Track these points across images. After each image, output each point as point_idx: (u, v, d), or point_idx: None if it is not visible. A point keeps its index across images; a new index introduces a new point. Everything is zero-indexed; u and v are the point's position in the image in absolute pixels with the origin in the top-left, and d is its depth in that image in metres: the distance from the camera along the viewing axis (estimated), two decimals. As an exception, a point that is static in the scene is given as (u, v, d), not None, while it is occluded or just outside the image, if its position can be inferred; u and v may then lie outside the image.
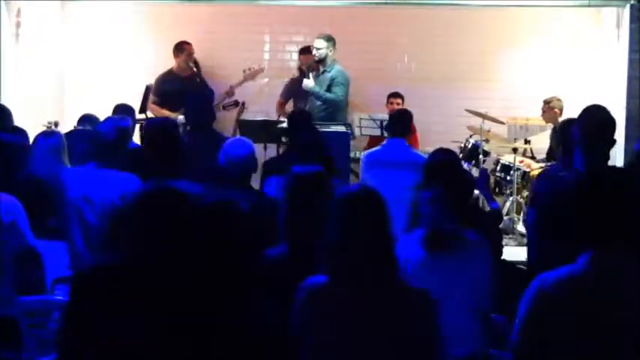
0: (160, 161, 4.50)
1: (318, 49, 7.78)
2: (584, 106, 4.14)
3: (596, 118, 3.99)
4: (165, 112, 7.97)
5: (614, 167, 3.71)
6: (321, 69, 7.83)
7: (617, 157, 7.63)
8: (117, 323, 2.61)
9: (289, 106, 8.61)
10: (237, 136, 7.58)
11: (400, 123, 6.09)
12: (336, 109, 7.77)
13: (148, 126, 5.42)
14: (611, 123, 4.00)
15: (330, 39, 7.81)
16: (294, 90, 8.49)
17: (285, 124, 6.93)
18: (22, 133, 5.29)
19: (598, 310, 2.37)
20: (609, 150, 4.06)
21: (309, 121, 5.99)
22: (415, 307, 2.61)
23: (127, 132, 4.82)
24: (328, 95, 7.72)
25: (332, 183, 3.40)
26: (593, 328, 2.36)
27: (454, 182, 4.10)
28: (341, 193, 2.77)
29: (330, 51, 7.78)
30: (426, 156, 6.17)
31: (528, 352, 2.45)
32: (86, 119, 6.89)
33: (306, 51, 8.49)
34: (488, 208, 5.23)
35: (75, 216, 4.48)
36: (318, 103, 7.75)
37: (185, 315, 2.61)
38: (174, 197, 2.72)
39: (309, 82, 7.74)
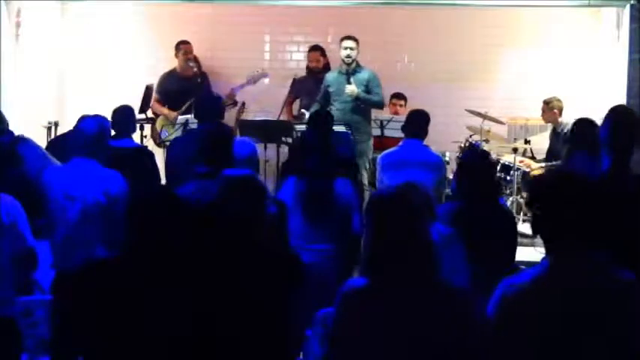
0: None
1: (351, 49, 7.70)
2: (583, 106, 4.14)
3: (622, 119, 3.97)
4: (165, 111, 7.98)
5: (566, 169, 3.72)
6: (347, 71, 7.71)
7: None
8: (109, 321, 2.61)
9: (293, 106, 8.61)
10: (237, 136, 7.59)
11: (417, 123, 6.03)
12: (368, 110, 7.74)
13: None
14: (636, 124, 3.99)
15: (356, 39, 7.77)
16: (302, 88, 8.47)
17: (302, 126, 6.91)
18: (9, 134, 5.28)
19: (563, 310, 2.35)
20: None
21: (331, 123, 5.97)
22: (456, 307, 2.58)
23: (108, 129, 4.83)
24: (374, 98, 7.69)
25: (262, 187, 3.31)
26: (559, 329, 2.36)
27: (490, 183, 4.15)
28: (375, 194, 2.76)
29: (357, 52, 7.77)
30: (440, 155, 6.22)
31: (499, 356, 2.45)
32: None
33: (317, 49, 8.45)
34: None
35: (57, 213, 4.49)
36: (350, 104, 7.63)
37: (181, 314, 2.61)
38: (169, 199, 2.72)
39: (354, 88, 7.61)
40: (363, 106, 7.65)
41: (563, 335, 2.36)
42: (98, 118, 4.76)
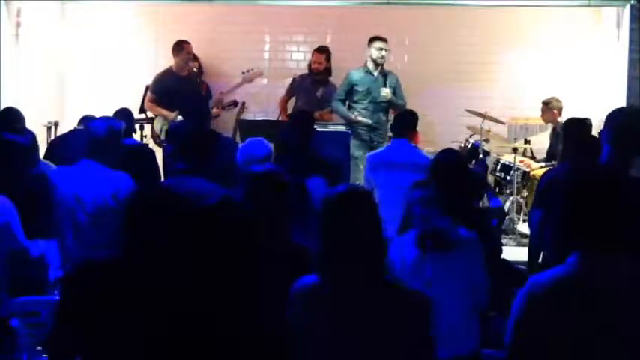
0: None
1: (385, 50, 7.72)
2: (583, 106, 4.13)
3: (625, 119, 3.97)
4: (163, 112, 7.97)
5: (601, 167, 3.70)
6: (384, 73, 7.75)
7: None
8: (109, 322, 2.61)
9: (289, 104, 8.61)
10: (237, 135, 7.59)
11: (405, 123, 6.05)
12: (389, 112, 7.76)
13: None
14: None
15: (387, 40, 7.79)
16: (299, 87, 8.48)
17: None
18: (29, 134, 5.28)
19: (589, 311, 2.36)
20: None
21: (312, 123, 5.97)
22: (408, 307, 2.60)
23: (119, 132, 4.81)
24: (400, 102, 7.74)
25: (287, 183, 3.36)
26: (585, 329, 2.36)
27: (459, 183, 4.12)
28: (329, 193, 2.76)
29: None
30: (431, 157, 6.21)
31: (522, 355, 2.45)
32: (83, 120, 6.90)
33: (323, 51, 8.46)
34: (486, 205, 5.25)
35: (66, 215, 4.48)
36: (378, 105, 7.66)
37: (181, 315, 2.61)
38: (170, 197, 2.72)
39: (389, 92, 7.66)
40: (386, 107, 7.70)
41: (589, 335, 2.36)
42: (108, 120, 4.74)
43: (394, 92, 7.73)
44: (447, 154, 4.56)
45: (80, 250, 4.40)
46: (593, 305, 2.36)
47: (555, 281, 2.41)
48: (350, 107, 7.85)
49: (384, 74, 7.74)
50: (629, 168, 3.78)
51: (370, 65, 7.80)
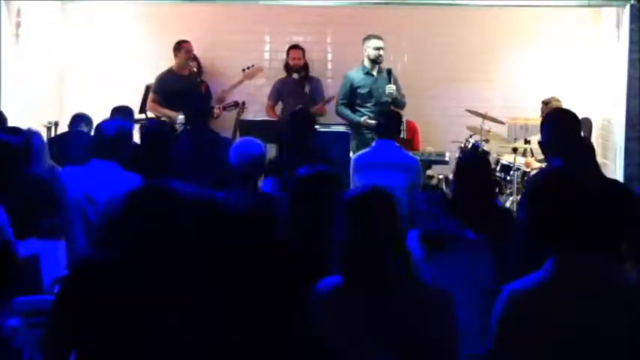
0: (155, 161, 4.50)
1: (382, 48, 7.73)
2: (583, 106, 4.14)
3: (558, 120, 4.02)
4: (167, 112, 7.98)
5: (563, 168, 3.70)
6: (389, 70, 7.77)
7: (617, 157, 7.63)
8: (107, 320, 2.61)
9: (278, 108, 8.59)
10: (238, 135, 7.59)
11: (390, 124, 6.04)
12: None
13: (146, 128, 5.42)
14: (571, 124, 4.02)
15: (382, 38, 7.82)
16: (284, 90, 8.47)
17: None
18: (20, 133, 5.27)
19: (569, 313, 2.35)
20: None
21: (312, 123, 5.96)
22: (432, 304, 2.61)
23: (129, 132, 4.81)
24: (403, 99, 7.77)
25: (340, 183, 3.37)
26: (566, 331, 2.35)
27: (483, 183, 4.14)
28: (351, 193, 2.77)
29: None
30: (416, 157, 6.20)
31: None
32: (81, 119, 6.90)
33: (298, 47, 8.50)
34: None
35: (77, 215, 4.46)
36: (385, 105, 7.63)
37: (178, 313, 2.61)
38: (164, 195, 2.72)
39: (394, 88, 7.66)
40: (390, 107, 7.67)
41: (571, 337, 2.35)
42: (119, 120, 4.73)
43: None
44: (471, 153, 4.58)
45: (90, 250, 4.38)
46: (572, 308, 2.35)
47: (534, 287, 2.40)
48: (355, 110, 7.83)
49: (388, 71, 7.72)
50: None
51: (367, 64, 7.78)
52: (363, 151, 6.23)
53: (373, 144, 6.04)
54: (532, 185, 2.63)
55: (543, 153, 4.14)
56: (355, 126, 7.73)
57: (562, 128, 3.97)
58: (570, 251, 2.41)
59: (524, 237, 3.43)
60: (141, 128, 7.56)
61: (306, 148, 5.24)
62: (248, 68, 8.44)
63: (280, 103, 8.55)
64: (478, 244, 3.65)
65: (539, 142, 4.22)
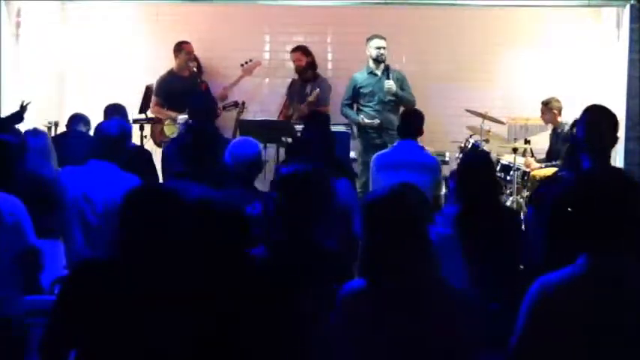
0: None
1: (383, 48, 7.76)
2: (584, 106, 4.12)
3: (597, 118, 3.97)
4: (171, 114, 8.00)
5: (611, 167, 3.70)
6: (387, 67, 7.78)
7: (617, 157, 7.63)
8: (107, 320, 2.61)
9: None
10: (238, 135, 7.59)
11: (412, 124, 5.98)
12: (397, 110, 7.74)
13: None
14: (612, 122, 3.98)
15: (385, 38, 7.84)
16: (291, 91, 8.50)
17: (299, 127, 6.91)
18: (16, 133, 5.28)
19: (598, 311, 2.36)
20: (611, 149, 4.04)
21: (327, 123, 5.96)
22: (457, 307, 2.59)
23: (129, 133, 4.80)
24: (407, 96, 7.76)
25: (325, 181, 3.37)
26: (594, 329, 2.36)
27: (486, 182, 4.14)
28: (374, 194, 2.76)
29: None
30: (436, 157, 6.20)
31: (530, 354, 2.45)
32: (79, 119, 6.89)
33: (297, 49, 8.47)
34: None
35: (75, 216, 4.46)
36: (387, 104, 7.68)
37: (177, 313, 2.60)
38: (162, 196, 2.72)
39: (392, 84, 7.69)
40: (396, 106, 7.70)
41: (598, 335, 2.36)
42: (119, 121, 4.73)
43: (400, 88, 7.74)
44: (472, 153, 4.58)
45: (90, 251, 4.39)
46: (602, 305, 2.36)
47: (566, 281, 2.41)
48: (359, 110, 7.87)
49: (386, 67, 7.76)
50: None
51: (372, 64, 7.82)
52: (384, 150, 6.24)
53: (395, 143, 6.01)
54: (577, 184, 2.60)
55: (575, 150, 4.07)
56: (358, 126, 7.79)
57: (606, 127, 3.91)
58: (603, 250, 2.41)
59: (548, 234, 3.44)
60: (140, 128, 7.59)
61: (328, 150, 5.21)
62: (246, 63, 8.45)
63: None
64: (448, 239, 3.62)
65: (573, 137, 4.17)
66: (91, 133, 6.66)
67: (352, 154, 7.66)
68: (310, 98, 8.14)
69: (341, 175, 4.81)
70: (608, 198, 2.44)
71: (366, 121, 7.71)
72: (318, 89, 8.16)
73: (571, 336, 2.38)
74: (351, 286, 2.66)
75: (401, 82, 7.82)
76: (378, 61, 7.76)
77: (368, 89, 7.79)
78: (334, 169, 4.76)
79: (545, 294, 2.41)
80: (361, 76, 7.88)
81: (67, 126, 7.01)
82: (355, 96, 7.89)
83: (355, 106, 7.95)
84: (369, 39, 7.86)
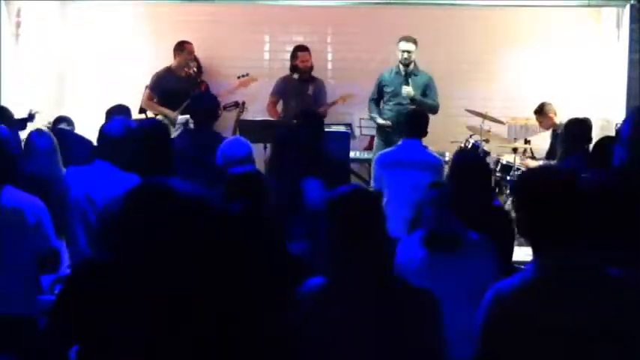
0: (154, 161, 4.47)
1: (409, 52, 7.74)
2: (583, 106, 4.12)
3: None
4: (165, 110, 7.98)
5: (549, 166, 3.66)
6: (406, 72, 7.78)
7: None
8: (107, 320, 2.61)
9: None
10: (237, 135, 7.59)
11: (417, 123, 5.98)
12: None
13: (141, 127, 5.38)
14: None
15: (416, 41, 7.80)
16: (287, 89, 8.46)
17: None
18: (46, 136, 5.28)
19: (555, 312, 2.33)
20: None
21: (322, 123, 5.95)
22: (418, 306, 2.60)
23: (133, 132, 4.79)
24: (429, 102, 7.73)
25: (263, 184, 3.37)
26: (553, 331, 2.34)
27: (478, 182, 4.12)
28: (335, 194, 2.76)
29: (415, 54, 7.80)
30: (440, 157, 6.20)
31: None
32: (62, 119, 6.91)
33: (306, 49, 8.46)
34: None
35: (78, 216, 4.46)
36: (405, 105, 7.61)
37: (176, 314, 2.61)
38: (161, 194, 2.72)
39: (410, 90, 7.69)
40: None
41: (556, 336, 2.34)
42: (123, 121, 4.70)
43: (424, 93, 7.75)
44: (465, 153, 4.57)
45: (91, 251, 4.38)
46: (555, 308, 2.33)
47: (518, 286, 2.38)
48: (380, 106, 7.96)
49: (412, 74, 7.77)
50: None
51: (400, 65, 7.83)
52: (388, 149, 6.24)
53: (399, 142, 6.03)
54: (518, 182, 2.59)
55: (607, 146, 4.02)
56: (377, 124, 7.90)
57: None
58: (554, 250, 2.38)
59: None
60: (140, 128, 7.58)
61: (316, 149, 5.20)
62: (243, 76, 8.45)
63: (281, 102, 8.54)
64: (481, 244, 3.64)
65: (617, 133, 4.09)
66: (76, 131, 6.72)
67: (352, 154, 7.67)
68: (339, 101, 8.31)
69: (334, 175, 4.76)
70: (543, 197, 2.39)
71: (380, 121, 7.78)
72: (352, 90, 8.34)
73: (529, 341, 2.35)
74: (312, 283, 2.67)
75: (425, 86, 7.80)
76: (403, 63, 7.77)
77: (391, 88, 7.85)
78: (318, 167, 4.74)
79: (499, 301, 2.39)
80: (387, 75, 7.93)
81: (50, 128, 6.98)
82: (379, 92, 7.96)
83: (381, 102, 7.99)
84: (399, 40, 7.85)
